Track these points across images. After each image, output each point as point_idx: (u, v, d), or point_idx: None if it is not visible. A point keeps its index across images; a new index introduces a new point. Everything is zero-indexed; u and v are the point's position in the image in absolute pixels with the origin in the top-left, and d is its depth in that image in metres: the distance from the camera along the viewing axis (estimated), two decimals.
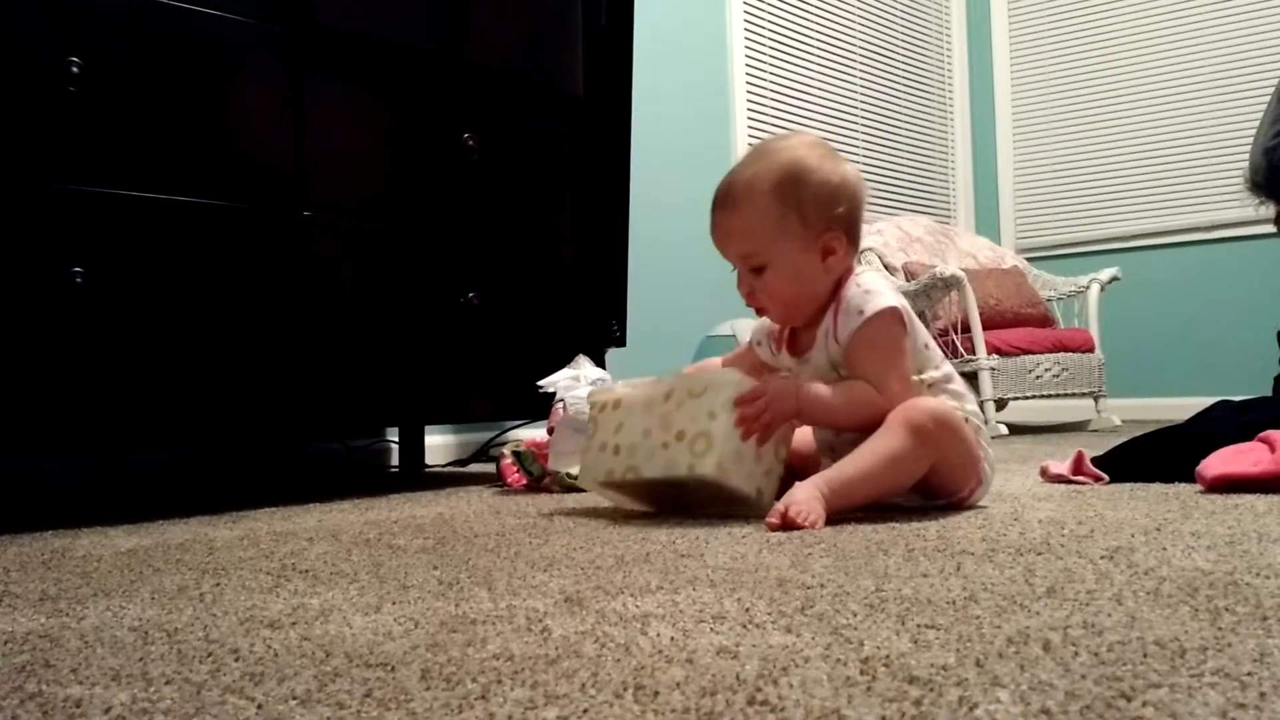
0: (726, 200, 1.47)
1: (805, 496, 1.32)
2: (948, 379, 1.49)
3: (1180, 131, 4.66)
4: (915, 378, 1.46)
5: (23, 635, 0.85)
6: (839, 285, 1.46)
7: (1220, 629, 0.72)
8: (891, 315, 1.42)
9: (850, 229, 1.47)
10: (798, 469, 1.51)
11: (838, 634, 0.74)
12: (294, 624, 0.85)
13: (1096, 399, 3.89)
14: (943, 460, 1.41)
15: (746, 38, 4.05)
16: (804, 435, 1.56)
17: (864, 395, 1.41)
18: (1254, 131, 2.55)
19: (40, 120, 1.59)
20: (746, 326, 2.93)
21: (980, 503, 1.52)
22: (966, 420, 1.45)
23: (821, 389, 1.43)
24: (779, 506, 1.31)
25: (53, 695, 0.66)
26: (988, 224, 5.16)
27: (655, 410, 1.46)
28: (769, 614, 0.81)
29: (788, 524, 1.28)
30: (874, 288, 1.44)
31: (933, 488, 1.45)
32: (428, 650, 0.74)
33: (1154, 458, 1.80)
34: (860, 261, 1.57)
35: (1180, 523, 1.27)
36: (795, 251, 1.44)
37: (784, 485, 1.45)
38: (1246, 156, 2.54)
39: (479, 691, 0.63)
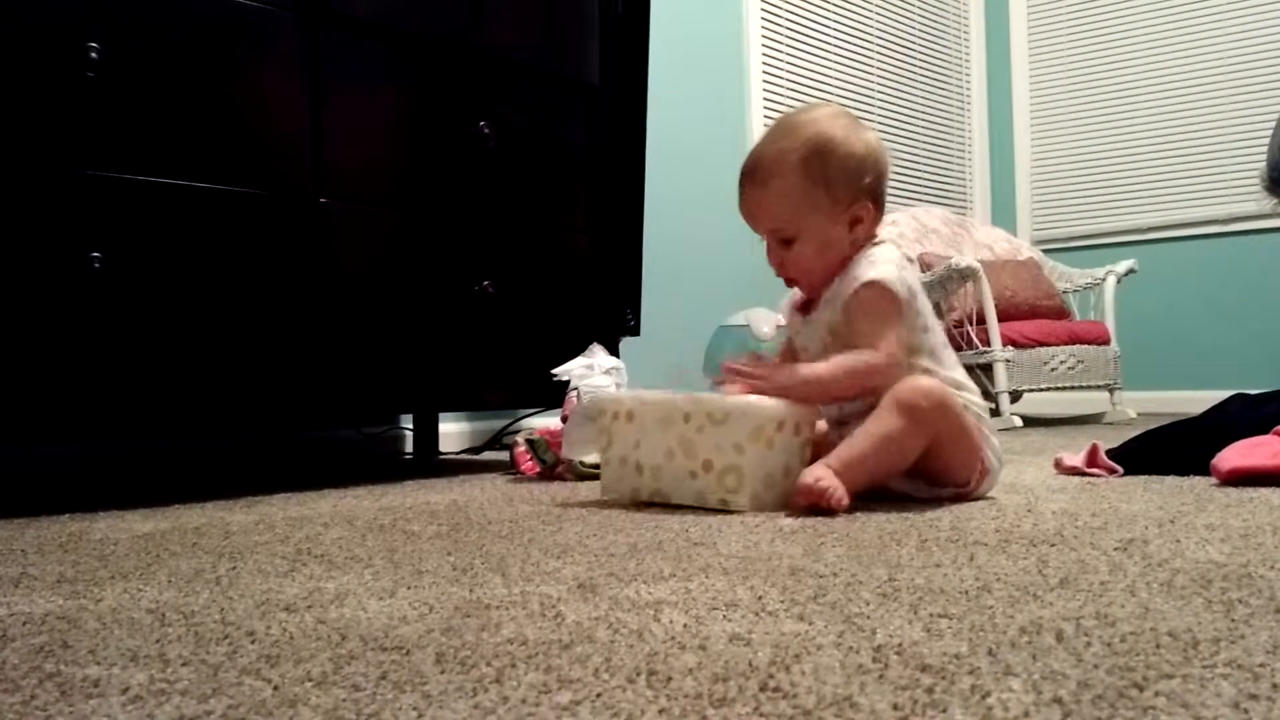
0: (755, 175, 1.49)
1: (826, 475, 1.34)
2: (944, 365, 1.49)
3: (1198, 123, 4.63)
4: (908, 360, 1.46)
5: (41, 616, 0.85)
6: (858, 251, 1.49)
7: (1234, 621, 0.72)
8: (879, 288, 1.42)
9: (877, 197, 1.49)
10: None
11: (850, 622, 0.74)
12: (310, 607, 0.85)
13: (1112, 391, 3.87)
14: (936, 439, 1.41)
15: (763, 27, 4.04)
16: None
17: (854, 360, 1.42)
18: (1272, 127, 2.53)
19: (59, 106, 1.59)
20: (760, 317, 2.93)
21: (992, 494, 1.52)
22: (965, 407, 1.45)
23: (814, 367, 1.46)
24: (805, 479, 1.34)
25: (71, 675, 0.67)
26: (1004, 215, 5.13)
27: (674, 430, 1.46)
28: (781, 602, 0.82)
29: (817, 500, 1.31)
30: (879, 259, 1.46)
31: (933, 472, 1.45)
32: (442, 634, 0.74)
33: (1169, 451, 1.79)
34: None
35: (1194, 515, 1.27)
36: (824, 223, 1.46)
37: None
38: (1264, 153, 2.52)
39: (493, 675, 0.63)
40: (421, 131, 2.08)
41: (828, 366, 1.44)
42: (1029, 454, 2.31)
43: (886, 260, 1.46)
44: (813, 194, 1.44)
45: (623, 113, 2.53)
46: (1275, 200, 2.53)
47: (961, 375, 1.51)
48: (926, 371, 1.45)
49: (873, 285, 1.42)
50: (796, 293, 1.59)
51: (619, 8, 2.49)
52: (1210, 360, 4.48)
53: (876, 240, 1.51)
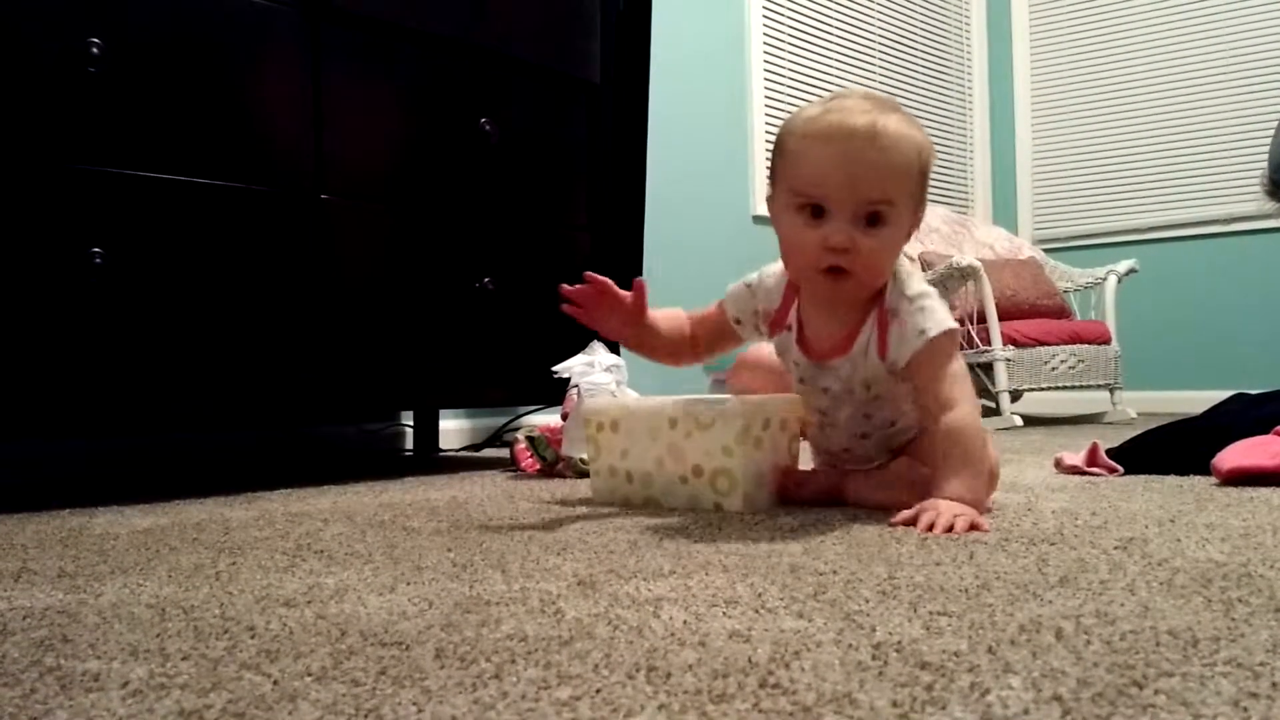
0: (875, 138, 1.21)
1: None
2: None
3: (1199, 123, 4.63)
4: None
5: (41, 611, 0.86)
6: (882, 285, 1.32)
7: (1233, 619, 0.72)
8: (952, 337, 1.30)
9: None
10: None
11: (850, 619, 0.74)
12: (309, 603, 0.85)
13: (1112, 391, 3.87)
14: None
15: (765, 26, 4.04)
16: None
17: (967, 441, 1.24)
18: (1273, 130, 2.52)
19: (61, 101, 1.59)
20: None
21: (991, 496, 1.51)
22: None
23: (959, 478, 1.22)
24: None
25: (71, 669, 0.67)
26: (1005, 214, 5.13)
27: (661, 438, 1.46)
28: (781, 599, 0.82)
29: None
30: (926, 302, 1.30)
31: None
32: (442, 630, 0.74)
33: (1169, 450, 1.79)
34: None
35: (1194, 515, 1.27)
36: (907, 220, 1.28)
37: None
38: (1265, 154, 2.51)
39: (493, 671, 0.63)
40: (423, 128, 2.08)
41: (966, 471, 1.23)
42: (1029, 453, 2.31)
43: (929, 296, 1.31)
44: (918, 186, 1.26)
45: (624, 110, 2.53)
46: (1276, 204, 2.52)
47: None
48: None
49: (946, 337, 1.28)
50: (767, 307, 1.40)
51: (620, 5, 2.49)
52: (1210, 360, 4.48)
53: (900, 266, 1.34)
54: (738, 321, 1.46)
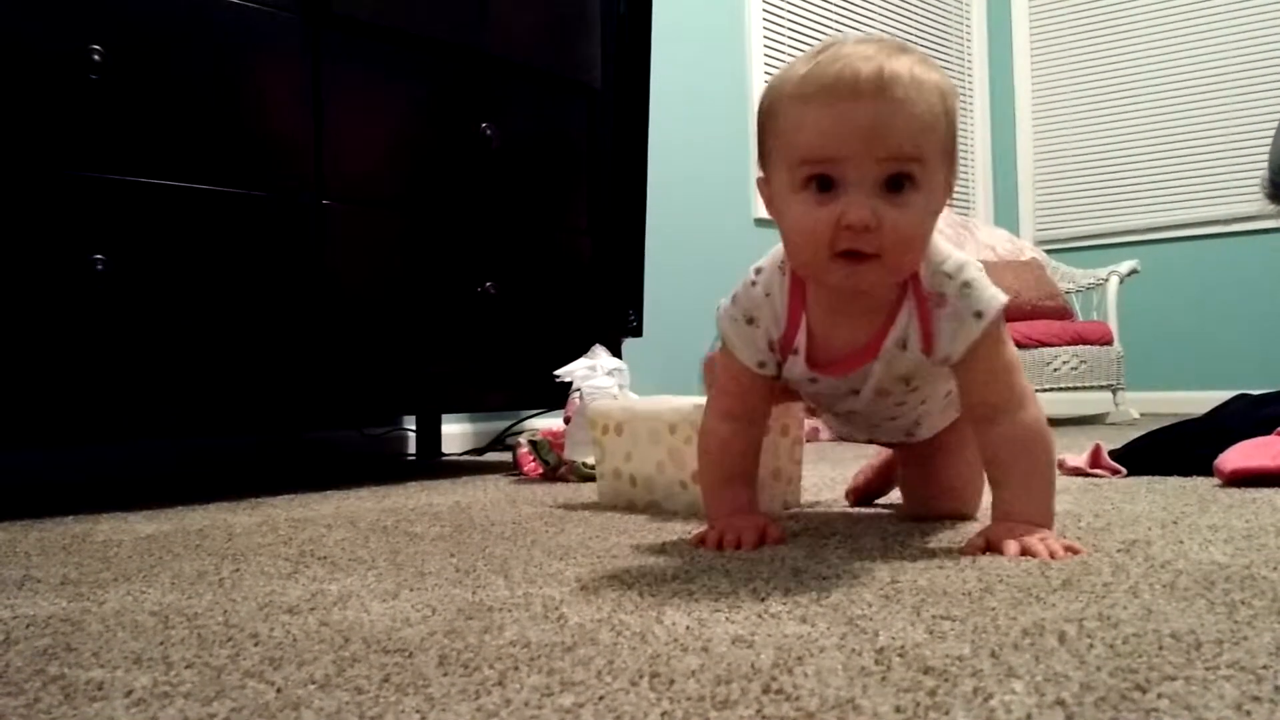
0: (883, 88, 0.95)
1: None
2: None
3: (1201, 124, 4.63)
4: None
5: (44, 619, 0.86)
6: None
7: (1237, 622, 0.72)
8: (1003, 314, 1.07)
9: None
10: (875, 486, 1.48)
11: (853, 624, 0.74)
12: (312, 609, 0.85)
13: (1115, 392, 3.87)
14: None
15: (765, 28, 4.05)
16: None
17: (1037, 452, 1.09)
18: (1273, 132, 2.51)
19: (62, 108, 1.59)
20: None
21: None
22: None
23: (1029, 494, 1.08)
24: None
25: (74, 678, 0.67)
26: (1007, 215, 5.13)
27: (662, 442, 1.47)
28: (784, 604, 0.81)
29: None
30: (972, 274, 1.07)
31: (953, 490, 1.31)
32: (445, 636, 0.74)
33: (1172, 451, 1.79)
34: None
35: (1197, 516, 1.26)
36: (939, 180, 1.01)
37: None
38: (1265, 155, 2.50)
39: (496, 678, 0.63)
40: (424, 133, 2.08)
41: (1039, 482, 1.10)
42: None
43: (970, 266, 1.08)
44: (947, 136, 1.01)
45: (625, 113, 2.53)
46: (1276, 206, 2.51)
47: None
48: None
49: (1001, 315, 1.07)
50: (765, 331, 1.13)
51: (621, 8, 2.50)
52: (1213, 361, 4.48)
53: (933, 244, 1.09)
54: (761, 365, 1.15)
